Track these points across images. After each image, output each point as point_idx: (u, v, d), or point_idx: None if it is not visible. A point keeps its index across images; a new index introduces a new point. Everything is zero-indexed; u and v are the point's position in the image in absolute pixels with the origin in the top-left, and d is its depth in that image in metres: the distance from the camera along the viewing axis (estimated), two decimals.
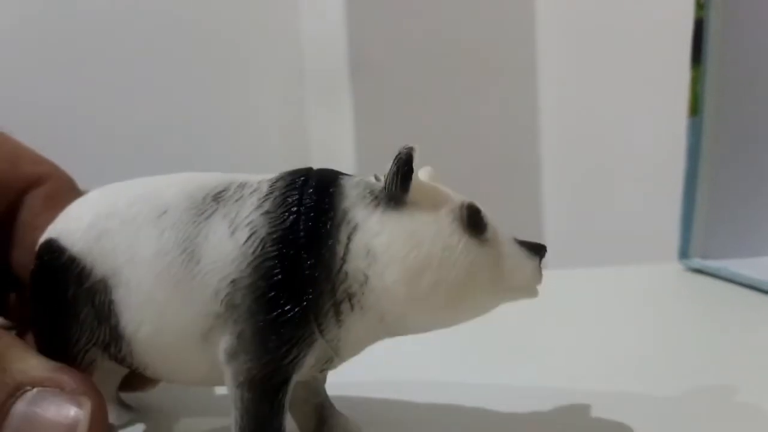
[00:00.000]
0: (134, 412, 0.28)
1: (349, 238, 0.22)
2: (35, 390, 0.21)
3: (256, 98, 1.06)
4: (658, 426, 0.26)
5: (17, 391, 0.21)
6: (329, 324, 0.22)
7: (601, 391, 0.29)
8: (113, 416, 0.27)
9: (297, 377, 0.22)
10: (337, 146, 0.98)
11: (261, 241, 0.22)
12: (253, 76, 1.07)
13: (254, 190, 0.23)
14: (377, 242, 0.22)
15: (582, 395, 0.29)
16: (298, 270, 0.22)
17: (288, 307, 0.22)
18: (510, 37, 1.01)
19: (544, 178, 1.02)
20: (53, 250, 0.24)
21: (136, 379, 0.28)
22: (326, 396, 0.26)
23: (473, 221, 0.23)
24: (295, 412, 0.25)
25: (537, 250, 0.24)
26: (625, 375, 0.32)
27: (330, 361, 0.23)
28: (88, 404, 0.21)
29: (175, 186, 0.24)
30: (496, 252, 0.23)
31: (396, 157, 0.23)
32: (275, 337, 0.22)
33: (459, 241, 0.23)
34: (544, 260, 0.24)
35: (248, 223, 0.22)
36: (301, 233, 0.22)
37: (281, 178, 0.23)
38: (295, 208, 0.22)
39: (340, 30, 0.96)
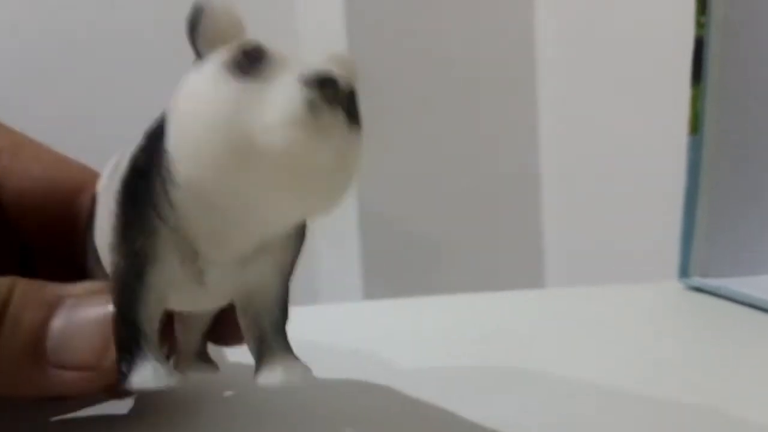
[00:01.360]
0: (212, 369, 0.29)
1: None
2: (73, 298, 0.23)
3: None
4: None
5: (57, 301, 0.23)
6: (164, 208, 0.21)
7: (600, 409, 0.29)
8: (190, 367, 0.28)
9: (164, 275, 0.22)
10: None
11: (136, 145, 0.22)
12: None
13: None
14: (169, 105, 0.21)
15: (580, 415, 0.29)
16: (139, 162, 0.22)
17: (135, 193, 0.22)
18: (511, 46, 1.01)
19: (543, 197, 1.02)
20: None
21: (226, 332, 0.29)
22: (271, 330, 0.24)
23: (241, 58, 0.20)
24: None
25: (314, 79, 0.19)
26: (624, 393, 0.32)
27: (196, 257, 0.22)
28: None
29: None
30: (261, 90, 0.20)
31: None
32: (123, 225, 0.22)
33: (216, 83, 0.20)
34: (342, 117, 0.20)
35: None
36: (154, 131, 0.22)
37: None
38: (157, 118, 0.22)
39: (338, 33, 0.96)
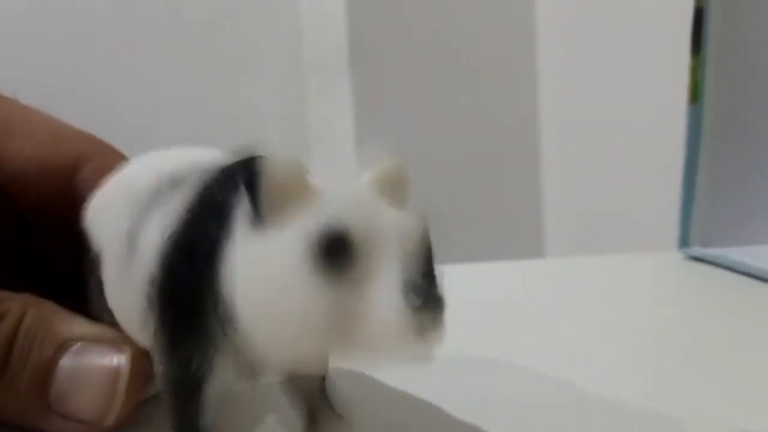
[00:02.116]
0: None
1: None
2: (79, 343, 0.23)
3: (256, 86, 1.06)
4: (658, 415, 0.26)
5: (64, 344, 0.22)
6: (221, 340, 0.20)
7: (601, 379, 0.29)
8: None
9: (219, 384, 0.21)
10: (336, 135, 0.98)
11: (170, 240, 0.21)
12: (252, 64, 1.06)
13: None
14: (230, 266, 0.20)
15: (581, 384, 0.29)
16: (193, 278, 0.20)
17: (185, 312, 0.20)
18: (509, 21, 1.01)
19: (543, 167, 1.02)
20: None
21: None
22: (321, 399, 0.24)
23: (328, 250, 0.19)
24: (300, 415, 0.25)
25: (425, 300, 0.19)
26: (624, 363, 0.32)
27: (257, 375, 0.22)
28: (128, 351, 0.23)
29: (159, 163, 0.23)
30: (355, 295, 0.19)
31: (243, 177, 0.20)
32: (172, 343, 0.21)
33: (301, 275, 0.18)
34: (436, 318, 0.19)
35: (171, 219, 0.21)
36: (200, 238, 0.20)
37: (214, 172, 0.21)
38: (201, 211, 0.21)
39: (339, 18, 0.96)
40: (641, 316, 0.39)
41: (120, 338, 0.23)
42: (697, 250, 0.49)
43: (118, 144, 0.26)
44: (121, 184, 0.25)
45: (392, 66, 0.97)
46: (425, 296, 0.19)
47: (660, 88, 0.72)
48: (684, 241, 0.49)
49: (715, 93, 0.48)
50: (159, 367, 0.21)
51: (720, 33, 0.47)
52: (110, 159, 0.28)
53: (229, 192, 0.20)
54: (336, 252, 0.18)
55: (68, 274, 0.26)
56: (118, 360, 0.22)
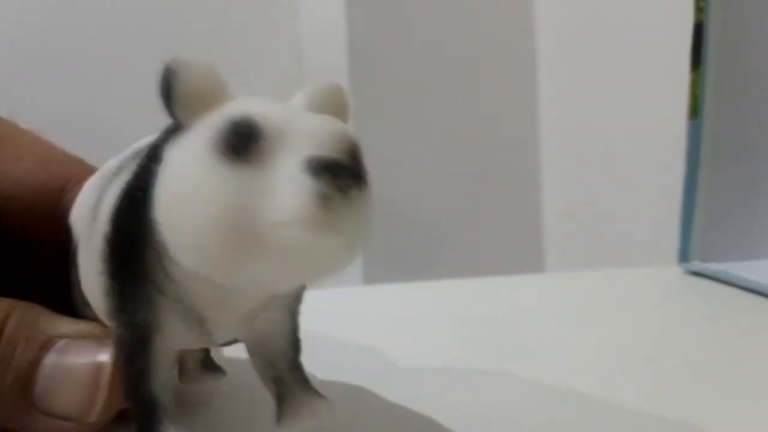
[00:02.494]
0: (218, 376, 0.28)
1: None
2: (64, 341, 0.23)
3: (256, 93, 1.06)
4: (658, 429, 0.26)
5: (48, 343, 0.23)
6: (162, 281, 0.20)
7: (601, 394, 0.29)
8: (196, 376, 0.27)
9: (170, 342, 0.21)
10: None
11: (118, 195, 0.21)
12: (252, 74, 1.07)
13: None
14: (149, 167, 0.19)
15: (581, 399, 0.29)
16: (134, 220, 0.20)
17: (129, 259, 0.20)
18: (510, 37, 1.01)
19: (543, 181, 1.02)
20: None
21: None
22: (286, 369, 0.23)
23: (233, 139, 0.18)
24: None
25: (322, 168, 0.18)
26: (624, 378, 0.32)
27: (204, 323, 0.21)
28: (110, 348, 0.22)
29: (128, 149, 0.23)
30: (261, 177, 0.18)
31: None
32: (121, 296, 0.21)
33: (211, 169, 0.18)
34: (352, 208, 0.18)
35: (120, 185, 0.21)
36: (135, 188, 0.20)
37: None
38: (145, 161, 0.20)
39: (339, 28, 0.96)
40: (641, 330, 0.39)
41: (104, 334, 0.23)
42: (697, 265, 0.49)
43: (116, 151, 0.26)
44: (97, 173, 0.25)
45: (392, 76, 0.97)
46: (339, 179, 0.18)
47: (660, 103, 0.72)
48: (684, 256, 0.49)
49: (715, 108, 0.48)
50: (113, 332, 0.21)
51: (720, 48, 0.47)
52: None
53: (167, 136, 0.20)
54: (241, 141, 0.18)
55: (57, 292, 0.26)
56: (101, 355, 0.22)
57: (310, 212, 0.17)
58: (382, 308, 0.45)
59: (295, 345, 0.23)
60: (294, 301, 0.23)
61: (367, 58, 0.95)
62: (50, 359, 0.22)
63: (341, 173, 0.18)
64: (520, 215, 1.02)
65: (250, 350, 0.23)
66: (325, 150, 0.18)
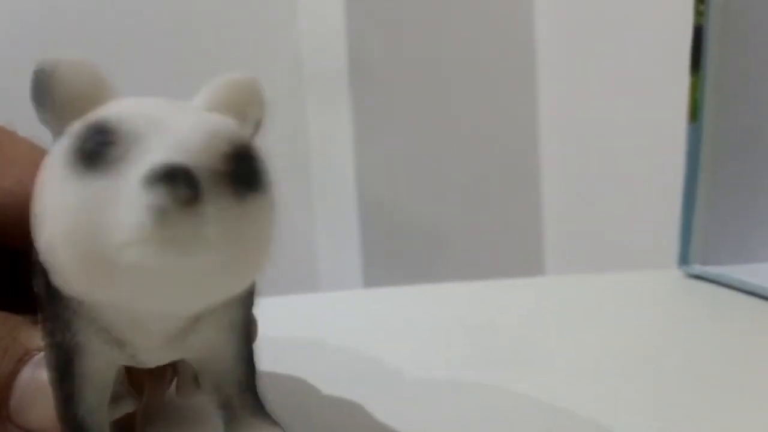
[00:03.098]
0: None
1: None
2: (41, 354, 0.22)
3: None
4: None
5: (25, 356, 0.22)
6: (72, 300, 0.18)
7: (601, 397, 0.29)
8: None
9: (96, 365, 0.19)
10: (336, 149, 0.98)
11: None
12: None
13: None
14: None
15: (581, 402, 0.29)
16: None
17: (44, 283, 0.18)
18: (510, 40, 1.01)
19: (543, 185, 1.02)
20: None
21: None
22: (235, 392, 0.21)
23: (82, 143, 0.16)
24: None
25: (159, 177, 0.15)
26: (624, 381, 0.32)
27: (125, 345, 0.19)
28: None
29: None
30: (110, 189, 0.16)
31: None
32: (45, 318, 0.19)
33: (62, 179, 0.16)
34: (199, 221, 0.16)
35: None
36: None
37: None
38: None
39: (339, 32, 0.96)
40: (641, 334, 0.39)
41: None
42: (697, 268, 0.49)
43: None
44: None
45: (392, 84, 0.97)
46: (178, 189, 0.15)
47: (659, 107, 0.72)
48: (684, 259, 0.49)
49: (715, 111, 0.48)
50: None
51: (719, 51, 0.47)
52: None
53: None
54: (90, 148, 0.16)
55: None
56: None
57: (146, 229, 0.15)
58: (382, 312, 0.45)
59: (246, 364, 0.21)
60: (237, 321, 0.21)
61: (367, 60, 0.96)
62: (27, 372, 0.22)
63: (182, 182, 0.15)
64: (520, 218, 1.02)
65: (198, 374, 0.21)
66: (188, 154, 0.16)
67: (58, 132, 0.17)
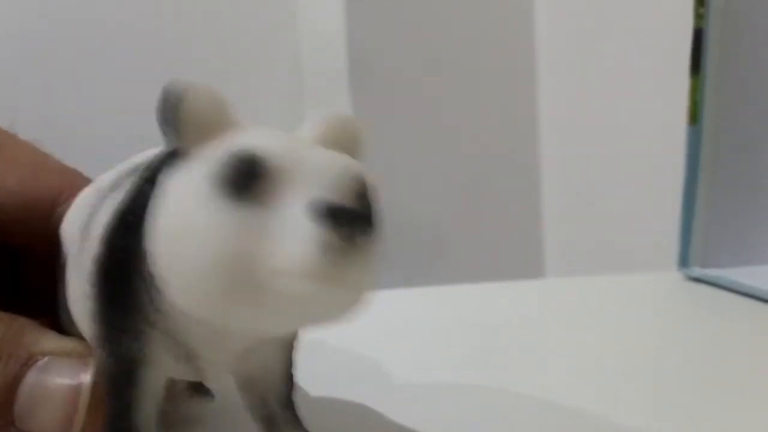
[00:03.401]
0: (208, 399, 0.28)
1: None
2: (46, 358, 0.22)
3: (255, 100, 1.06)
4: None
5: (30, 360, 0.22)
6: (151, 313, 0.19)
7: (601, 400, 0.29)
8: (186, 400, 0.27)
9: (158, 375, 0.20)
10: None
11: (111, 215, 0.20)
12: (252, 77, 1.07)
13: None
14: (153, 219, 0.18)
15: (580, 404, 0.29)
16: (121, 256, 0.19)
17: (118, 284, 0.19)
18: (510, 41, 1.01)
19: (543, 187, 1.02)
20: None
21: None
22: (278, 407, 0.22)
23: (233, 174, 0.17)
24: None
25: (328, 214, 0.16)
26: (624, 384, 0.32)
27: (195, 359, 0.20)
28: (93, 365, 0.22)
29: (124, 163, 0.23)
30: (263, 218, 0.17)
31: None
32: (108, 325, 0.20)
33: (210, 206, 0.17)
34: (357, 259, 0.17)
35: (114, 204, 0.20)
36: (129, 212, 0.19)
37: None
38: (140, 181, 0.19)
39: (339, 32, 0.96)
40: (641, 336, 0.39)
41: (88, 352, 0.22)
42: (696, 270, 0.49)
43: (116, 158, 0.26)
44: (92, 186, 0.24)
45: (392, 84, 0.97)
46: (345, 227, 0.16)
47: (659, 109, 0.72)
48: (683, 262, 0.49)
49: (715, 114, 0.48)
50: (98, 359, 0.20)
51: (719, 54, 0.47)
52: None
53: (166, 159, 0.19)
54: (243, 178, 0.17)
55: (47, 304, 0.26)
56: (81, 376, 0.22)
57: (314, 263, 0.16)
58: (382, 314, 0.45)
59: (288, 382, 0.22)
60: (289, 341, 0.22)
61: (367, 60, 0.96)
62: (31, 377, 0.22)
63: (347, 220, 0.17)
64: (520, 220, 1.02)
65: (241, 386, 0.22)
66: (332, 190, 0.17)
67: (182, 152, 0.18)
